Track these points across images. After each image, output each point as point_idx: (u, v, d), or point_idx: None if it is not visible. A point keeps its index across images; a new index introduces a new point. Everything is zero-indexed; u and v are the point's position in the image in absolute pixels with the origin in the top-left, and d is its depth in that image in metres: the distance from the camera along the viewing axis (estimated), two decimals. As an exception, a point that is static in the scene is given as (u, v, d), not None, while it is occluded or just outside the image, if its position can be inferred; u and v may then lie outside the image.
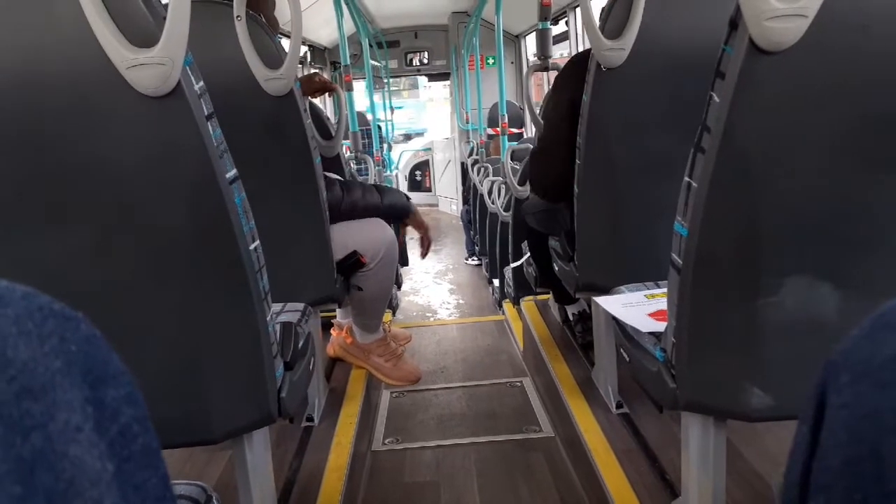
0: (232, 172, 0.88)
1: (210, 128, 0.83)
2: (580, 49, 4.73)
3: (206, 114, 0.83)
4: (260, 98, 1.41)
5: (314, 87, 2.06)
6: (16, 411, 0.25)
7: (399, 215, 1.95)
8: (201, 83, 0.84)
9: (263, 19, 1.52)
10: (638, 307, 1.18)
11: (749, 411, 0.93)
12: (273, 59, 1.40)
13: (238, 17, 1.33)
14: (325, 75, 2.13)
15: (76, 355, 0.29)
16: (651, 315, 1.12)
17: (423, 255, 2.18)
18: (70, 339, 0.29)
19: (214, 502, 0.78)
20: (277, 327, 1.05)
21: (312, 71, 4.24)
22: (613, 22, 1.29)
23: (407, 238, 4.29)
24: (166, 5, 0.78)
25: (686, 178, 0.90)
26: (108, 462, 0.29)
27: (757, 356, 0.91)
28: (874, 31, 0.77)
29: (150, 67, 0.76)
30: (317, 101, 2.48)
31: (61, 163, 0.82)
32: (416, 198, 8.92)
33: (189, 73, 0.81)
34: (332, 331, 2.17)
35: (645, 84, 1.33)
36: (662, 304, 1.11)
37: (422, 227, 2.02)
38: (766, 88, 0.79)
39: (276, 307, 1.33)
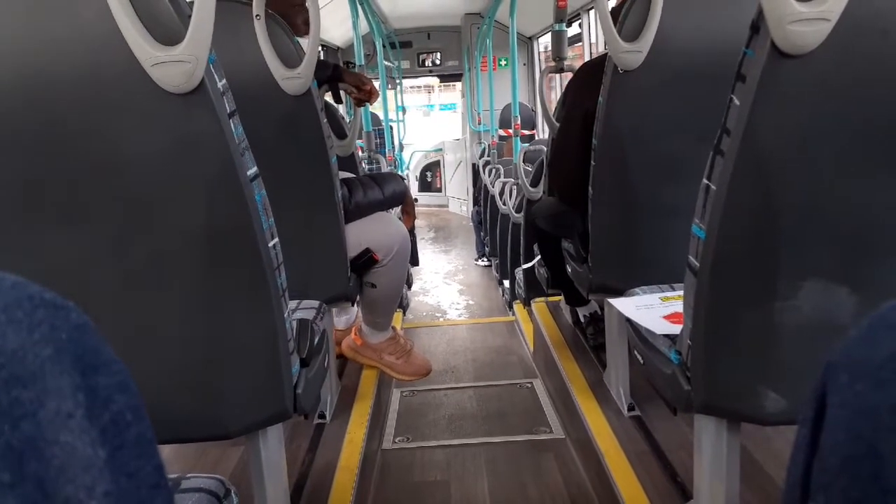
0: (253, 170, 0.88)
1: (232, 125, 0.84)
2: (594, 50, 4.72)
3: (228, 111, 0.84)
4: (278, 97, 1.42)
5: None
6: (5, 399, 0.25)
7: (400, 200, 1.96)
8: (224, 81, 0.85)
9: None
10: (653, 309, 1.17)
11: (764, 415, 0.93)
12: (291, 58, 1.41)
13: (257, 15, 1.34)
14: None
15: (66, 343, 0.29)
16: (666, 317, 1.12)
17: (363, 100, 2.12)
18: (60, 327, 0.29)
19: (233, 496, 0.78)
20: (294, 324, 1.06)
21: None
22: (631, 24, 1.29)
23: (418, 238, 4.29)
24: (191, 3, 0.79)
25: (704, 181, 0.90)
26: (101, 449, 0.29)
27: (773, 359, 0.91)
28: (893, 36, 0.76)
29: (175, 65, 0.77)
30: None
31: (84, 159, 0.83)
32: (426, 198, 8.89)
33: (212, 70, 0.81)
34: None
35: (662, 86, 1.32)
36: (677, 306, 1.10)
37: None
38: (788, 92, 0.79)
39: (291, 304, 1.34)
